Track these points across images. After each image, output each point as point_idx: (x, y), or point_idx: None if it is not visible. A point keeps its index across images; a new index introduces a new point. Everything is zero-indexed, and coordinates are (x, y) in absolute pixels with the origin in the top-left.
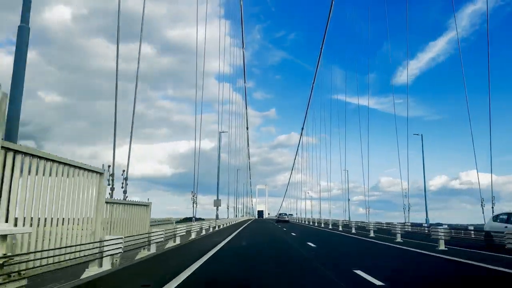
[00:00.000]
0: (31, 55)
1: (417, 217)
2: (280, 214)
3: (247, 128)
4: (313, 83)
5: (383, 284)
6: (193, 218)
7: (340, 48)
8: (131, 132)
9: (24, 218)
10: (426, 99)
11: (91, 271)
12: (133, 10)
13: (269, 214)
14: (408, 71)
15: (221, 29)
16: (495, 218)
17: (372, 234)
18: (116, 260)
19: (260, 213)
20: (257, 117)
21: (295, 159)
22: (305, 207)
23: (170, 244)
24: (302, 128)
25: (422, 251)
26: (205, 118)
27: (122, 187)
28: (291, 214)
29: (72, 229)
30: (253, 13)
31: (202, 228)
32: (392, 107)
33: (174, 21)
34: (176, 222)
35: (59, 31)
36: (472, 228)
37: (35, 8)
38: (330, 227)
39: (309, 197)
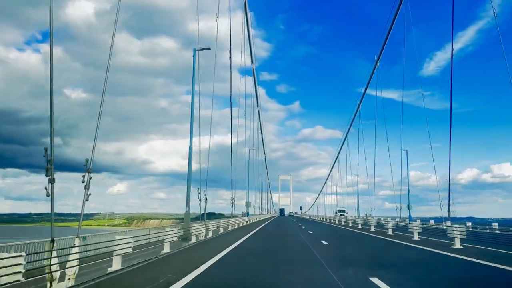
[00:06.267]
0: (56, 52)
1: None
2: (290, 212)
3: (257, 104)
4: (367, 85)
5: None
6: None
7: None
8: None
9: None
10: (455, 91)
11: None
12: (153, 3)
13: (295, 212)
14: (436, 63)
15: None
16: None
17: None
18: None
19: (282, 210)
20: (281, 110)
21: (338, 155)
22: (352, 204)
23: None
24: (349, 126)
25: None
26: (227, 113)
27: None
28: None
29: None
30: (276, 3)
31: None
32: (418, 100)
33: (195, 14)
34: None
35: (82, 27)
36: None
37: (59, 4)
38: (372, 229)
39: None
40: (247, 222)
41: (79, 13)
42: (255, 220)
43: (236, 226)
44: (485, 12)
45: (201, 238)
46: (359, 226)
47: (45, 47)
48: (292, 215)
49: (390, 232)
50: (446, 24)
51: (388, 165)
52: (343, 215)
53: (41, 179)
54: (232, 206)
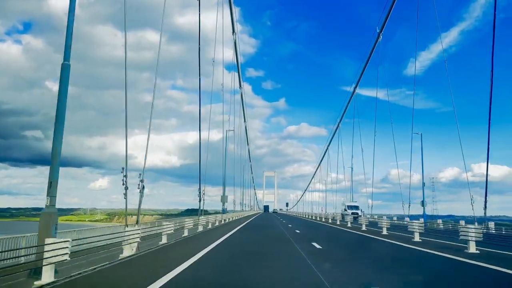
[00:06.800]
0: (38, 44)
1: (427, 209)
2: (274, 209)
3: (240, 86)
4: (356, 84)
5: None
6: None
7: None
8: None
9: None
10: (438, 91)
11: None
12: None
13: (280, 209)
14: (420, 63)
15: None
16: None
17: None
18: None
19: (266, 207)
20: (266, 107)
21: (325, 153)
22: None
23: None
24: (338, 123)
25: None
26: (213, 109)
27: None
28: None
29: None
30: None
31: None
32: (403, 99)
33: (182, 7)
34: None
35: (65, 18)
36: None
37: None
38: (417, 238)
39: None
40: (219, 222)
41: (62, 4)
42: (234, 219)
43: (200, 229)
44: (468, 14)
45: (96, 265)
46: (384, 232)
47: (26, 38)
48: (276, 212)
49: (472, 250)
50: (429, 23)
51: (371, 163)
52: (357, 214)
53: (21, 173)
54: (200, 201)
